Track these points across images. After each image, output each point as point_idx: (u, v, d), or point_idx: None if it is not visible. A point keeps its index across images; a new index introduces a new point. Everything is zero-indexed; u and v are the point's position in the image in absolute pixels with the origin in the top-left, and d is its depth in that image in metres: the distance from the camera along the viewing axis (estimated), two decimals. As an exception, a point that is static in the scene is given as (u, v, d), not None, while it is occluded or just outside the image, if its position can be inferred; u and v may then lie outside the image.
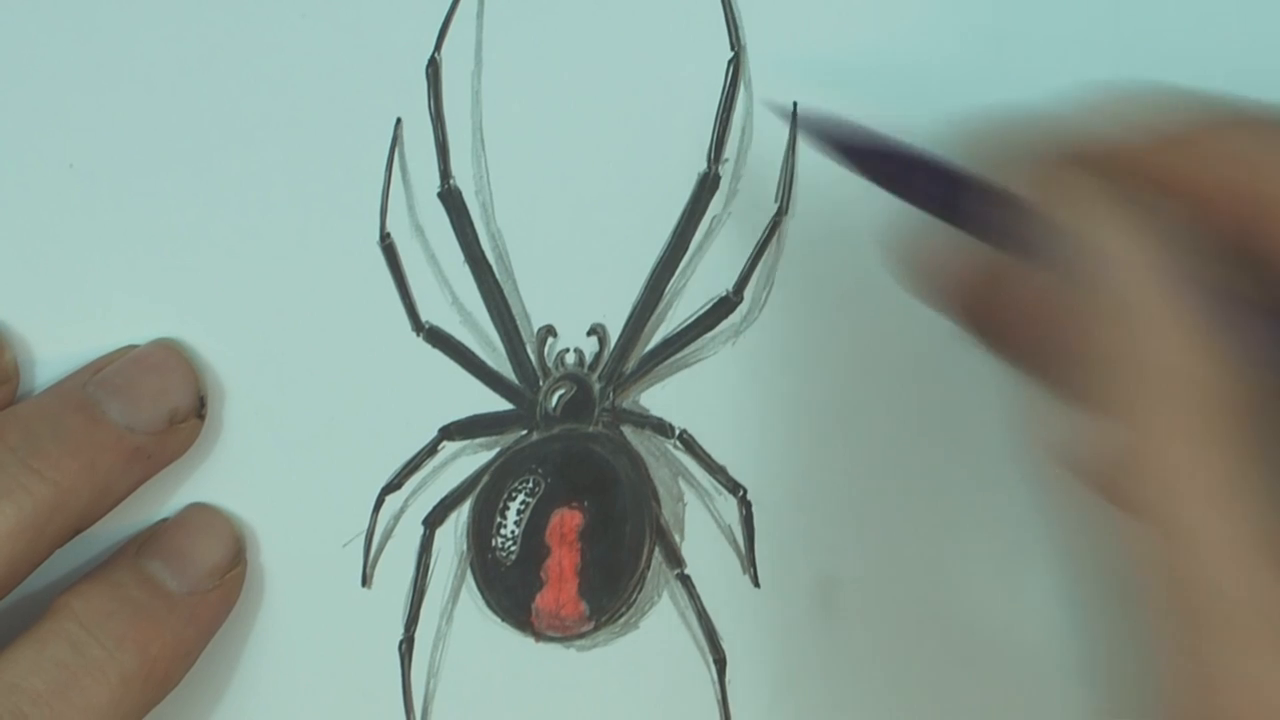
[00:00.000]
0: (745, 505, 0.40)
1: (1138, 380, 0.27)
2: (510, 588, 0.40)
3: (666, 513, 0.40)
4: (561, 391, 0.40)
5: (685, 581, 0.40)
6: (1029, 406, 0.33)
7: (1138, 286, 0.28)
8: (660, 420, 0.40)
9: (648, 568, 0.40)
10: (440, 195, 0.39)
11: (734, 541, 0.40)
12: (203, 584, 0.38)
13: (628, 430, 0.40)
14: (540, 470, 0.40)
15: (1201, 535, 0.27)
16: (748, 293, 0.39)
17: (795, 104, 0.39)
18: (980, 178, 0.32)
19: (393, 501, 0.40)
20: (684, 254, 0.39)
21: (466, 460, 0.40)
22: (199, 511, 0.39)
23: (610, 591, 0.40)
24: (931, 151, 0.33)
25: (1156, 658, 0.27)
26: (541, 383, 0.40)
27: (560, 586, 0.40)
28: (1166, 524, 0.27)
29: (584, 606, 0.40)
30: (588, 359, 0.40)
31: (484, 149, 0.39)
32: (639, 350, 0.40)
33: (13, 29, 0.39)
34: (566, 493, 0.40)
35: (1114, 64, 0.39)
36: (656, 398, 0.40)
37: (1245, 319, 0.28)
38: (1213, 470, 0.27)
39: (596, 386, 0.40)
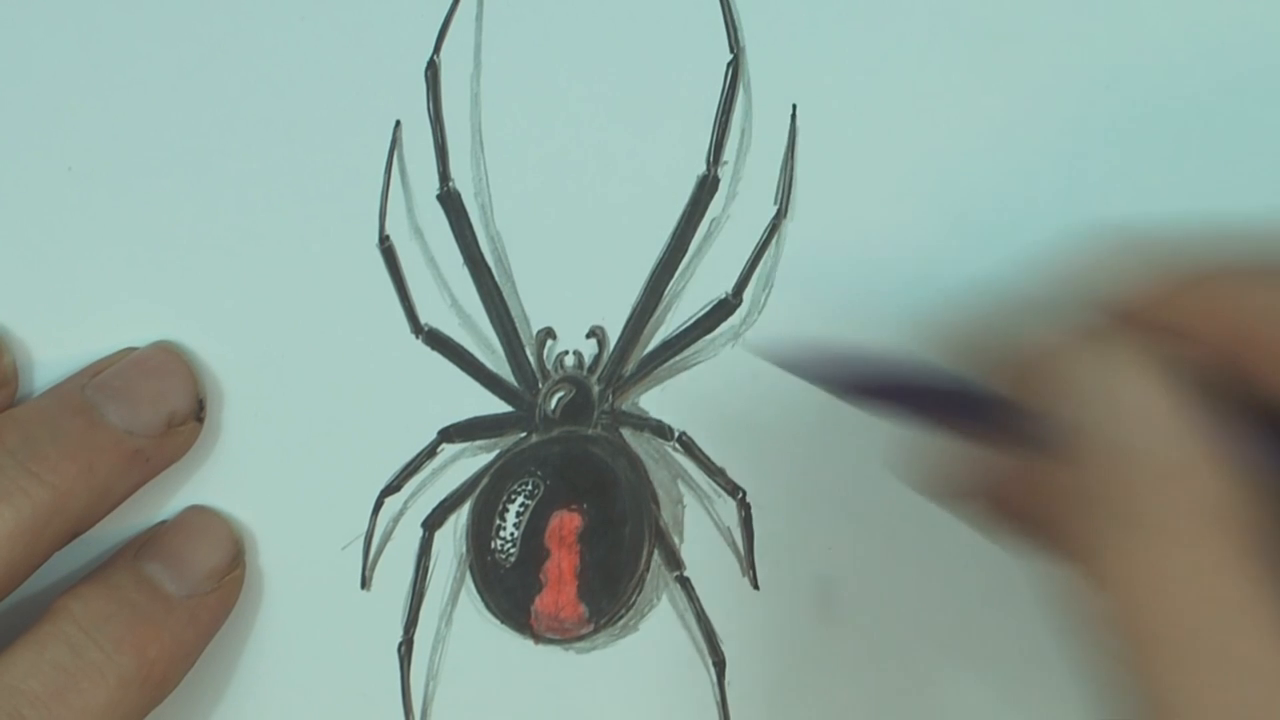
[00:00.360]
0: (745, 507, 0.40)
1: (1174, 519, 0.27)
2: (509, 590, 0.40)
3: (666, 515, 0.40)
4: (561, 394, 0.40)
5: (684, 584, 0.40)
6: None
7: (1158, 431, 0.28)
8: (659, 422, 0.40)
9: (647, 570, 0.40)
10: (439, 197, 0.39)
11: (733, 544, 0.40)
12: (201, 586, 0.38)
13: (627, 432, 0.40)
14: (539, 472, 0.40)
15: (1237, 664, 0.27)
16: (747, 295, 0.39)
17: (794, 105, 0.39)
18: (970, 389, 0.32)
19: (392, 504, 0.40)
20: (683, 256, 0.39)
21: (466, 462, 0.40)
22: (198, 514, 0.39)
23: (609, 594, 0.40)
24: (918, 369, 0.33)
25: None
26: (541, 385, 0.40)
27: (559, 589, 0.40)
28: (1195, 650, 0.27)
29: (583, 609, 0.40)
30: (587, 361, 0.40)
31: (483, 151, 0.39)
32: (638, 352, 0.40)
33: (12, 31, 0.39)
34: (566, 495, 0.40)
35: (1114, 63, 0.39)
36: (656, 400, 0.40)
37: (1253, 443, 0.28)
38: (1240, 599, 0.27)
39: (596, 389, 0.40)
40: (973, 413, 0.31)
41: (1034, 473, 0.30)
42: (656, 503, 0.40)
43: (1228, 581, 0.27)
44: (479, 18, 0.39)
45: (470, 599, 0.40)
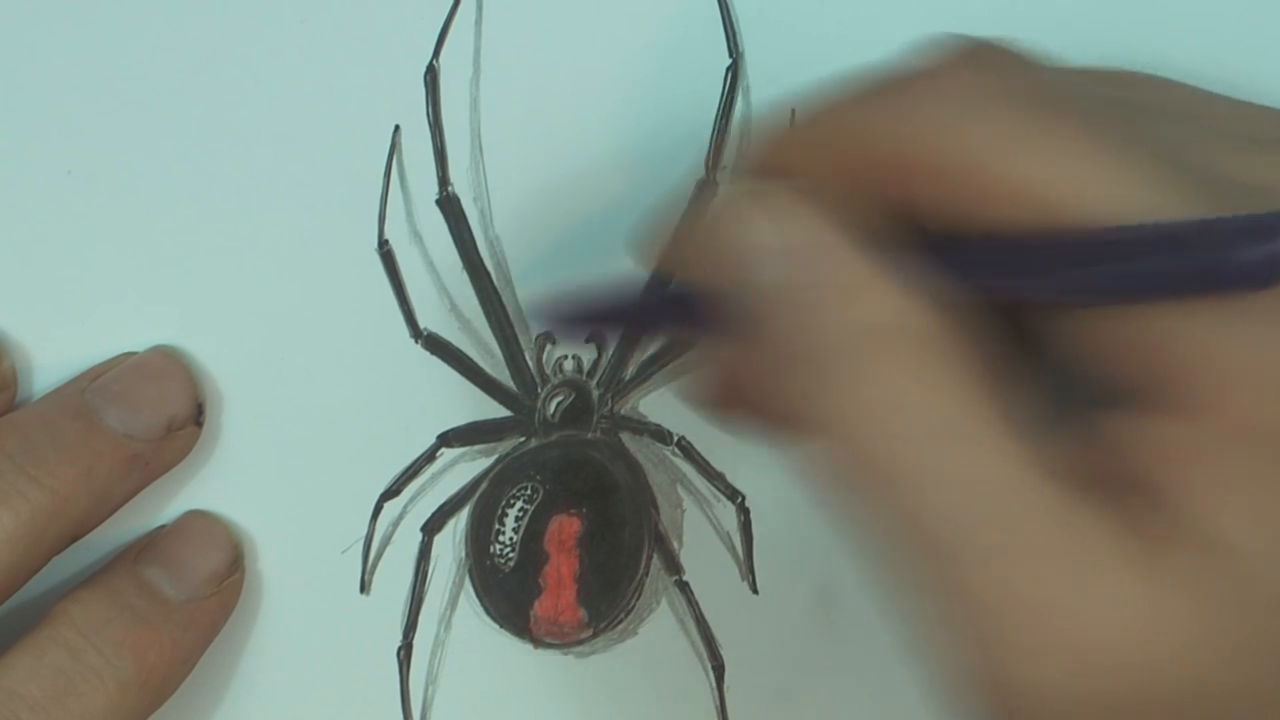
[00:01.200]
0: (744, 512, 0.40)
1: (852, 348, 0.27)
2: (509, 594, 0.40)
3: (665, 519, 0.40)
4: (560, 398, 0.40)
5: (684, 588, 0.40)
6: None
7: (818, 264, 0.28)
8: (659, 427, 0.40)
9: (646, 574, 0.40)
10: (438, 202, 0.39)
11: (732, 548, 0.40)
12: (200, 591, 0.38)
13: (626, 437, 0.40)
14: (539, 477, 0.40)
15: (953, 469, 0.27)
16: (746, 299, 0.39)
17: (793, 110, 0.39)
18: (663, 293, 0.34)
19: (391, 508, 0.40)
20: (682, 260, 0.39)
21: (465, 467, 0.40)
22: (197, 518, 0.39)
23: (609, 598, 0.40)
24: (618, 290, 0.35)
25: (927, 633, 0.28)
26: (540, 389, 0.40)
27: (559, 593, 0.40)
28: (915, 473, 0.27)
29: (582, 613, 0.40)
30: (586, 366, 0.40)
31: (482, 156, 0.39)
32: (638, 357, 0.40)
33: (12, 35, 0.39)
34: (565, 499, 0.40)
35: (1113, 63, 0.39)
36: (655, 404, 0.40)
37: (923, 257, 0.28)
38: (946, 406, 0.27)
39: (595, 393, 0.40)
40: (674, 314, 0.33)
41: (745, 358, 0.30)
42: (656, 507, 0.40)
43: (931, 397, 0.27)
44: (478, 22, 0.39)
45: (469, 603, 0.40)
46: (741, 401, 0.32)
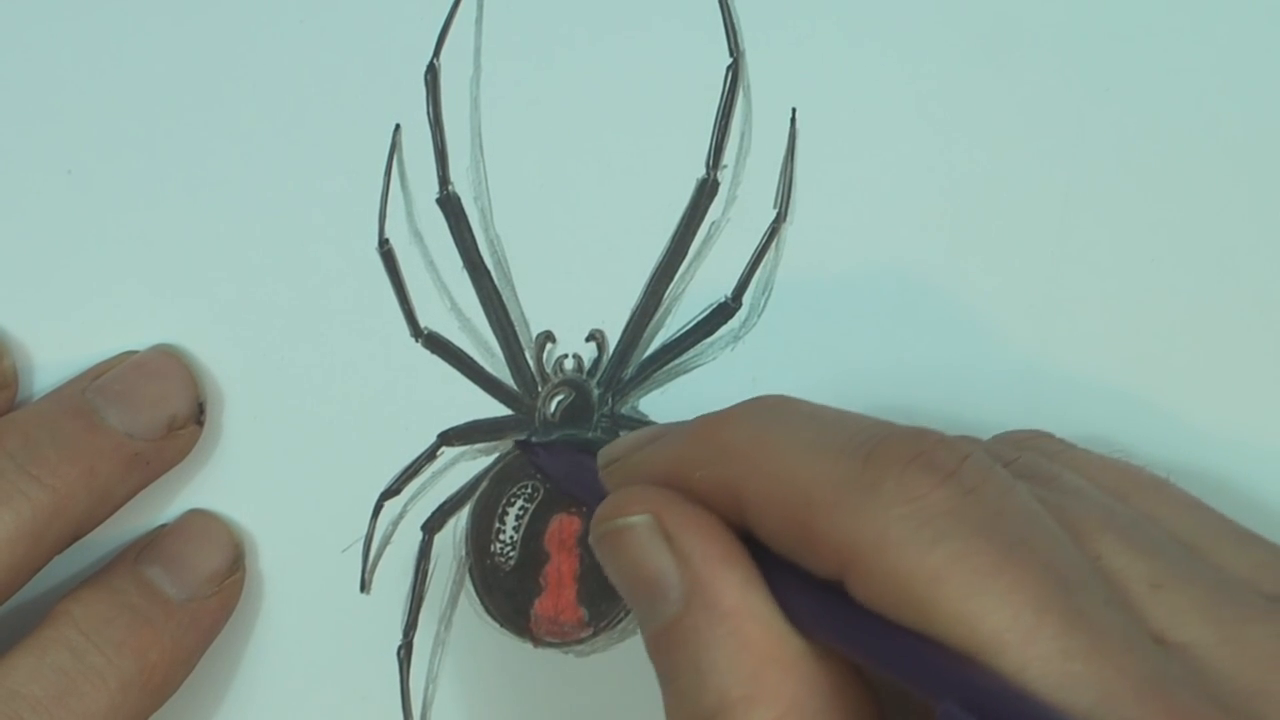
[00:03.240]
0: (744, 511, 0.40)
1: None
2: (509, 593, 0.40)
3: (665, 518, 0.40)
4: (560, 397, 0.40)
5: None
6: None
7: (690, 603, 0.31)
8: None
9: (646, 573, 0.40)
10: (439, 201, 0.39)
11: (733, 547, 0.40)
12: (201, 590, 0.38)
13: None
14: (539, 476, 0.40)
15: None
16: (746, 298, 0.39)
17: (794, 109, 0.39)
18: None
19: (391, 507, 0.40)
20: (683, 259, 0.39)
21: (465, 466, 0.40)
22: (198, 518, 0.39)
23: (609, 597, 0.40)
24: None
25: None
26: (540, 388, 0.40)
27: (559, 592, 0.40)
28: None
29: (583, 612, 0.40)
30: (586, 364, 0.40)
31: (483, 155, 0.39)
32: (638, 356, 0.40)
33: (12, 36, 0.39)
34: (565, 498, 0.40)
35: (1114, 65, 0.39)
36: (655, 403, 0.40)
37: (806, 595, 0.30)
38: None
39: (595, 392, 0.40)
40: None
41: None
42: (656, 506, 0.40)
43: None
44: (479, 21, 0.39)
45: (470, 602, 0.40)
46: None
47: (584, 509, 0.40)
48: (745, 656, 0.29)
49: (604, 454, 0.35)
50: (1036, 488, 0.30)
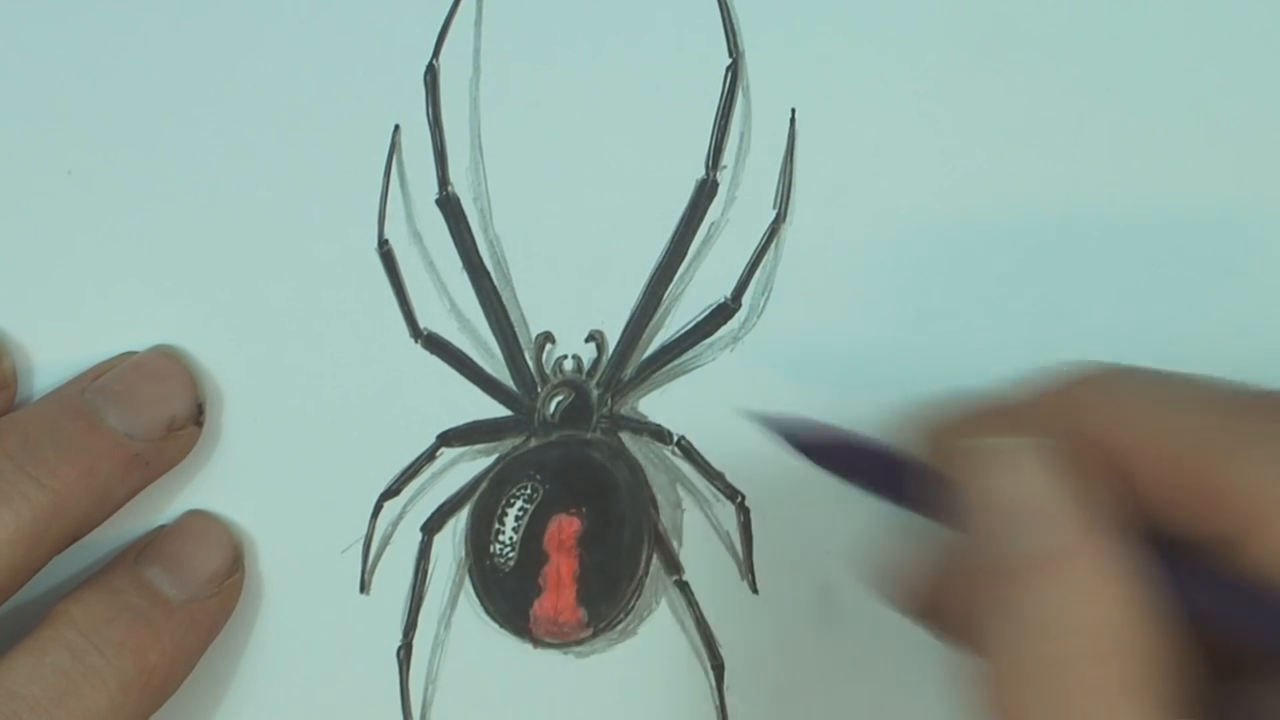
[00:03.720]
0: (743, 511, 0.40)
1: (1069, 639, 0.28)
2: (508, 594, 0.40)
3: (665, 519, 0.40)
4: (560, 398, 0.40)
5: (683, 588, 0.40)
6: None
7: (1061, 536, 0.28)
8: (658, 426, 0.40)
9: (646, 574, 0.40)
10: (438, 202, 0.39)
11: (732, 548, 0.40)
12: (201, 591, 0.38)
13: (626, 436, 0.40)
14: (538, 476, 0.40)
15: None
16: (746, 299, 0.39)
17: (793, 109, 0.39)
18: (914, 459, 0.33)
19: (391, 508, 0.40)
20: (682, 260, 0.39)
21: (465, 466, 0.40)
22: (197, 518, 0.39)
23: (608, 598, 0.40)
24: (875, 440, 0.34)
25: None
26: (540, 389, 0.40)
27: (558, 593, 0.40)
28: None
29: (582, 613, 0.40)
30: (586, 365, 0.40)
31: (482, 156, 0.39)
32: (637, 356, 0.40)
33: (12, 36, 0.39)
34: (565, 499, 0.40)
35: (1114, 65, 0.39)
36: (655, 404, 0.40)
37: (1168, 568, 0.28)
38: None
39: (595, 393, 0.40)
40: (913, 479, 0.33)
41: (952, 570, 0.31)
42: (655, 507, 0.40)
43: (1109, 712, 0.27)
44: (478, 22, 0.39)
45: (469, 603, 0.40)
46: (933, 601, 0.33)
47: (583, 509, 0.40)
48: (1113, 608, 0.27)
49: (919, 422, 0.33)
50: None
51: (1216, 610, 0.28)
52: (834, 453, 0.34)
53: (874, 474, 0.33)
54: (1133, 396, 0.29)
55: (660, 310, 0.40)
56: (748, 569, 0.40)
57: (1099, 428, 0.29)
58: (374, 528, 0.40)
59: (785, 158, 0.39)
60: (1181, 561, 0.28)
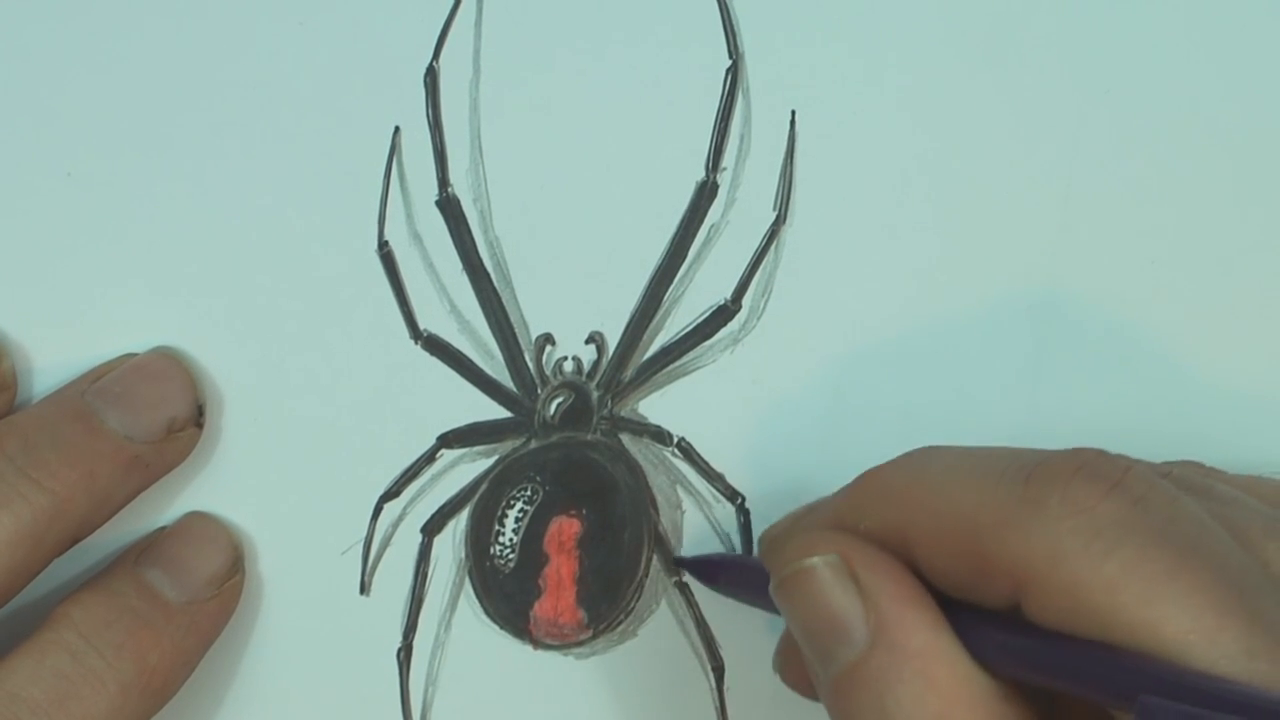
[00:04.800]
0: (743, 513, 0.40)
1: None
2: (508, 595, 0.40)
3: (665, 520, 0.40)
4: (560, 399, 0.40)
5: (683, 589, 0.40)
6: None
7: (862, 644, 0.31)
8: (658, 428, 0.40)
9: (646, 575, 0.40)
10: (438, 203, 0.39)
11: (732, 549, 0.40)
12: (201, 593, 0.38)
13: (626, 438, 0.40)
14: (539, 478, 0.40)
15: None
16: (746, 301, 0.39)
17: (793, 111, 0.39)
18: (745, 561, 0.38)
19: (391, 509, 0.40)
20: (682, 262, 0.39)
21: (465, 468, 0.40)
22: (197, 520, 0.39)
23: (609, 599, 0.40)
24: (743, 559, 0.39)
25: None
26: (540, 391, 0.40)
27: (558, 594, 0.40)
28: None
29: (582, 614, 0.40)
30: (586, 367, 0.40)
31: (482, 157, 0.39)
32: (637, 358, 0.40)
33: (12, 37, 0.39)
34: (565, 500, 0.40)
35: (1112, 66, 0.39)
36: (655, 405, 0.40)
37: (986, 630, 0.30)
38: None
39: (595, 394, 0.40)
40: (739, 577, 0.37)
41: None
42: (655, 508, 0.40)
43: None
44: (478, 24, 0.39)
45: (469, 604, 0.40)
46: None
47: (583, 511, 0.40)
48: (932, 698, 0.30)
49: (764, 536, 0.36)
50: (1196, 499, 0.31)
51: (1032, 670, 0.29)
52: (708, 570, 0.38)
53: (746, 588, 0.37)
54: (910, 483, 0.32)
55: (660, 312, 0.40)
56: (748, 571, 0.40)
57: (884, 521, 0.32)
58: (374, 529, 0.40)
59: (785, 159, 0.39)
60: (988, 628, 0.30)
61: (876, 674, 0.30)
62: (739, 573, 0.37)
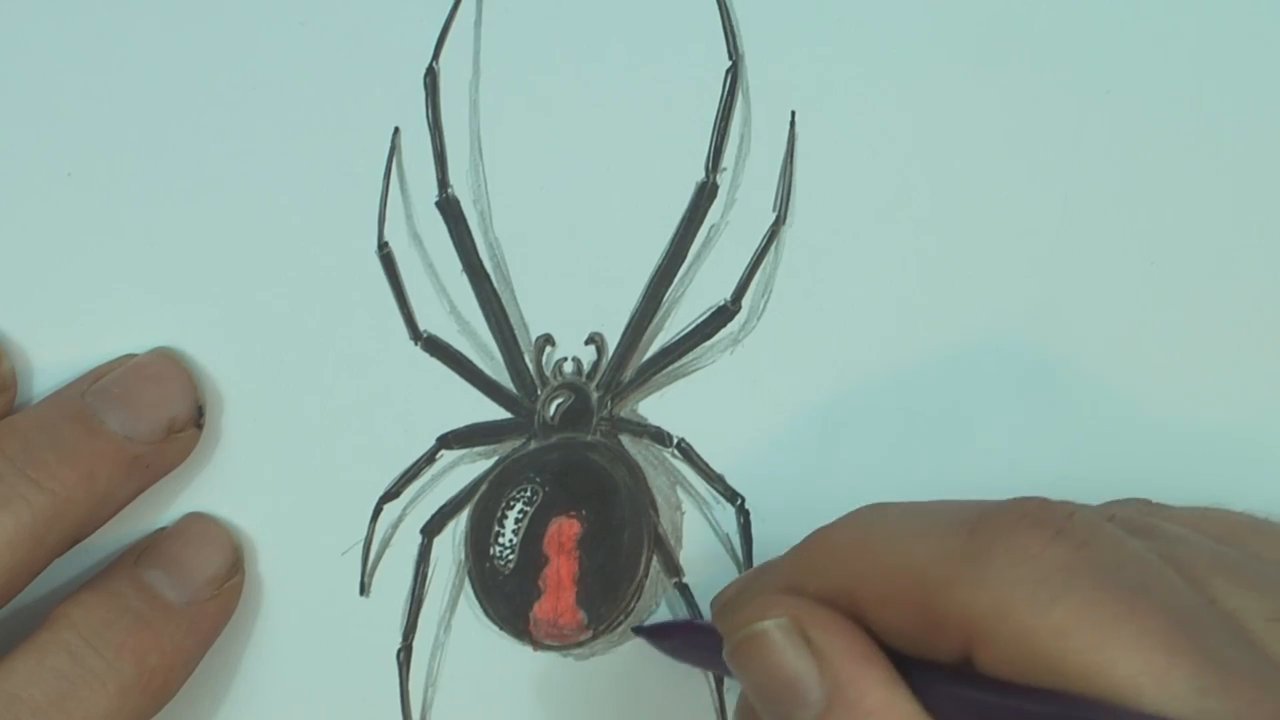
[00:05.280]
0: (743, 514, 0.40)
1: None
2: (508, 596, 0.40)
3: (664, 521, 0.40)
4: (560, 400, 0.40)
5: (683, 590, 0.40)
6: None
7: (816, 706, 0.31)
8: (658, 429, 0.40)
9: (646, 576, 0.40)
10: (438, 204, 0.39)
11: (732, 550, 0.40)
12: (201, 593, 0.38)
13: (626, 439, 0.40)
14: (538, 479, 0.40)
15: None
16: (746, 301, 0.39)
17: (793, 111, 0.39)
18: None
19: (391, 510, 0.40)
20: (682, 262, 0.39)
21: (465, 469, 0.40)
22: (197, 521, 0.39)
23: (608, 600, 0.40)
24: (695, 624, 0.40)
25: None
26: (540, 391, 0.40)
27: (558, 595, 0.40)
28: None
29: (582, 615, 0.40)
30: (586, 368, 0.40)
31: (482, 158, 0.39)
32: (637, 359, 0.40)
33: (12, 38, 0.39)
34: (565, 501, 0.40)
35: (1112, 67, 0.39)
36: (655, 406, 0.40)
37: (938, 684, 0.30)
38: None
39: (595, 395, 0.40)
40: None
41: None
42: (655, 509, 0.40)
43: None
44: (478, 25, 0.39)
45: (469, 605, 0.40)
46: None
47: (583, 512, 0.40)
48: None
49: (716, 600, 0.36)
50: (1141, 539, 0.31)
51: (995, 715, 0.30)
52: (663, 636, 0.38)
53: (702, 652, 0.36)
54: (857, 542, 0.32)
55: (660, 312, 0.40)
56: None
57: (834, 581, 0.32)
58: (374, 530, 0.40)
59: (785, 160, 0.39)
60: (942, 682, 0.30)
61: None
62: (694, 637, 0.37)
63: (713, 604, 0.37)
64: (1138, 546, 0.30)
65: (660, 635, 0.38)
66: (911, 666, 0.31)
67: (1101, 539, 0.29)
